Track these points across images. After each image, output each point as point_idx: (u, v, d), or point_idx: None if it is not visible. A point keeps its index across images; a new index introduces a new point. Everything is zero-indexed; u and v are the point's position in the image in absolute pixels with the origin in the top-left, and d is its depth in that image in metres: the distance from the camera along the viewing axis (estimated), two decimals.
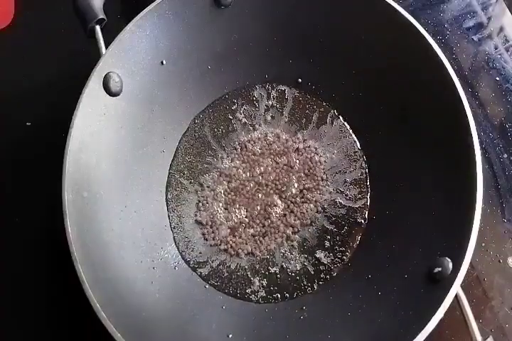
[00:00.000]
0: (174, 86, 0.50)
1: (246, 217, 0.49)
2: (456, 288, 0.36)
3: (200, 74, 0.52)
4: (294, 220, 0.49)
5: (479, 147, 0.39)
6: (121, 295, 0.41)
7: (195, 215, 0.50)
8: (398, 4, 0.44)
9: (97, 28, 0.46)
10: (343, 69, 0.50)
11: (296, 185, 0.50)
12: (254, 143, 0.52)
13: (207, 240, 0.49)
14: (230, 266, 0.48)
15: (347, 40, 0.49)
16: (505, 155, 0.52)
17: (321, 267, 0.47)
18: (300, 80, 0.53)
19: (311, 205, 0.49)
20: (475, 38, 0.58)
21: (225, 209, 0.50)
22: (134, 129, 0.48)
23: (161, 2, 0.45)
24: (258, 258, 0.48)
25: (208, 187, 0.51)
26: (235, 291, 0.47)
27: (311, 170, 0.50)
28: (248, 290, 0.47)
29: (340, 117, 0.52)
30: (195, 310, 0.45)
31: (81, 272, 0.37)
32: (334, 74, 0.51)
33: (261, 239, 0.49)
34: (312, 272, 0.47)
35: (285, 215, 0.49)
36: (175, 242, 0.49)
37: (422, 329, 0.35)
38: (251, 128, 0.53)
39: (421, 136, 0.45)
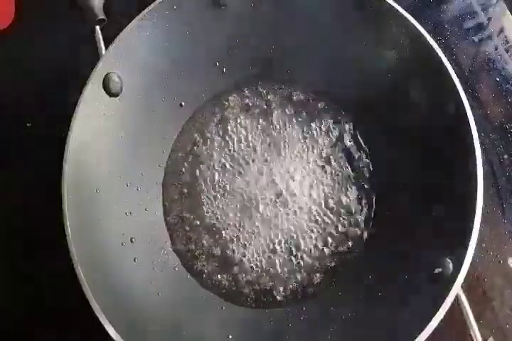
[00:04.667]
0: (174, 86, 0.50)
1: (244, 220, 0.49)
2: (456, 289, 0.36)
3: (199, 74, 0.52)
4: (294, 220, 0.49)
5: (479, 147, 0.39)
6: (121, 295, 0.41)
7: (195, 216, 0.50)
8: (398, 4, 0.44)
9: (97, 28, 0.46)
10: (343, 69, 0.50)
11: (296, 182, 0.50)
12: (254, 142, 0.52)
13: (206, 240, 0.49)
14: (229, 267, 0.48)
15: (347, 39, 0.49)
16: (506, 156, 0.52)
17: (321, 268, 0.47)
18: (300, 80, 0.53)
19: (311, 206, 0.49)
20: (475, 39, 0.58)
21: (225, 209, 0.50)
22: (134, 129, 0.48)
23: (161, 2, 0.45)
24: (258, 259, 0.48)
25: (206, 187, 0.51)
26: (235, 293, 0.47)
27: (313, 169, 0.50)
28: (248, 292, 0.47)
29: (343, 115, 0.52)
30: (195, 311, 0.45)
31: (80, 272, 0.37)
32: (334, 74, 0.51)
33: (260, 239, 0.48)
34: (312, 273, 0.47)
35: (287, 214, 0.49)
36: (174, 243, 0.49)
37: (423, 329, 0.35)
38: (250, 127, 0.53)
39: (421, 137, 0.45)
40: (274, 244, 0.48)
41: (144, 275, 0.44)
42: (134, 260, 0.45)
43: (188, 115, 0.53)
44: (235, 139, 0.53)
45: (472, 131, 0.39)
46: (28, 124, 0.54)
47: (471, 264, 0.37)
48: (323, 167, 0.51)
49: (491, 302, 0.46)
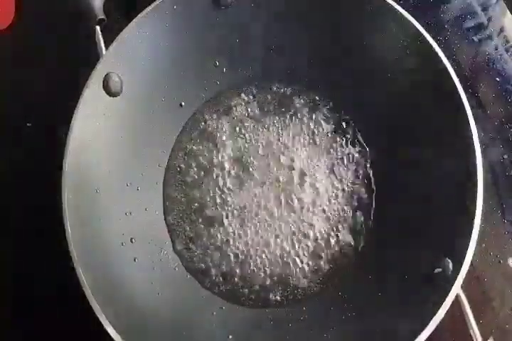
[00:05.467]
0: (174, 86, 0.50)
1: (244, 220, 0.49)
2: (456, 289, 0.36)
3: (199, 74, 0.52)
4: (295, 220, 0.49)
5: (479, 147, 0.39)
6: (121, 295, 0.41)
7: (195, 216, 0.50)
8: (398, 4, 0.44)
9: (97, 28, 0.46)
10: (343, 69, 0.50)
11: (297, 182, 0.50)
12: (254, 142, 0.52)
13: (207, 240, 0.49)
14: (229, 267, 0.48)
15: (347, 39, 0.49)
16: (506, 156, 0.52)
17: (321, 268, 0.47)
18: (300, 80, 0.53)
19: (312, 206, 0.49)
20: (475, 39, 0.58)
21: (226, 209, 0.50)
22: (134, 129, 0.48)
23: (161, 2, 0.45)
24: (258, 259, 0.48)
25: (207, 187, 0.51)
26: (235, 293, 0.47)
27: (313, 169, 0.51)
28: (248, 292, 0.47)
29: (343, 115, 0.52)
30: (195, 311, 0.45)
31: (80, 272, 0.37)
32: (334, 74, 0.51)
33: (261, 239, 0.48)
34: (312, 273, 0.47)
35: (288, 215, 0.49)
36: (174, 243, 0.49)
37: (423, 329, 0.35)
38: (250, 127, 0.53)
39: (421, 136, 0.45)
40: (274, 244, 0.48)
41: (143, 275, 0.44)
42: (134, 260, 0.45)
43: (188, 115, 0.53)
44: (235, 139, 0.53)
45: (472, 131, 0.40)
46: (28, 124, 0.54)
47: (471, 264, 0.37)
48: (322, 166, 0.51)
49: (491, 302, 0.46)
